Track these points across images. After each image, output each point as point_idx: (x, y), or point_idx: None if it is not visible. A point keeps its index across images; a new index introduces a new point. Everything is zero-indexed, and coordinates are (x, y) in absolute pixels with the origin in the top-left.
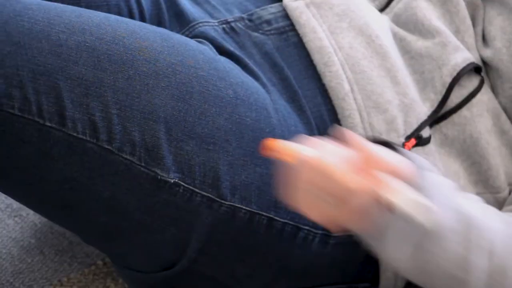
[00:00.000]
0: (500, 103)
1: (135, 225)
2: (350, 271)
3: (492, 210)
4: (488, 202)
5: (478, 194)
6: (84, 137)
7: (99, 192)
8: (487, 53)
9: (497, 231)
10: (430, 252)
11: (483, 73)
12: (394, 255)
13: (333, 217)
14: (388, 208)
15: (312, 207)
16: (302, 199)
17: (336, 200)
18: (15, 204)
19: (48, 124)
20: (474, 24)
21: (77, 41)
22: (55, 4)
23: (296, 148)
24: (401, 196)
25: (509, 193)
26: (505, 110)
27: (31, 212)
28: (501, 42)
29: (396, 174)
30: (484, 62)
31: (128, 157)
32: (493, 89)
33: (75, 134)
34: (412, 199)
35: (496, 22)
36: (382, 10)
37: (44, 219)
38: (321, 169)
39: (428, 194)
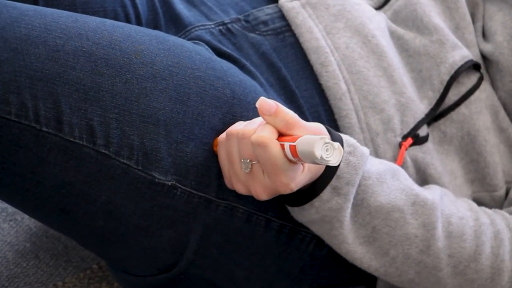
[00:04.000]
0: (500, 98)
1: (133, 229)
2: (346, 273)
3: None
4: (484, 201)
5: (474, 192)
6: (81, 142)
7: (96, 197)
8: (487, 47)
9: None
10: (366, 209)
11: (482, 70)
12: (331, 215)
13: (267, 185)
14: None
15: (245, 180)
16: (230, 174)
17: (253, 157)
18: (10, 208)
19: (44, 129)
20: (473, 21)
21: (74, 46)
22: (52, 9)
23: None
24: (301, 139)
25: (506, 192)
26: (504, 105)
27: (26, 216)
28: (502, 36)
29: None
30: (484, 58)
31: (125, 161)
32: (493, 84)
33: (71, 139)
34: (312, 137)
35: (496, 18)
36: (380, 7)
37: (39, 223)
38: (230, 134)
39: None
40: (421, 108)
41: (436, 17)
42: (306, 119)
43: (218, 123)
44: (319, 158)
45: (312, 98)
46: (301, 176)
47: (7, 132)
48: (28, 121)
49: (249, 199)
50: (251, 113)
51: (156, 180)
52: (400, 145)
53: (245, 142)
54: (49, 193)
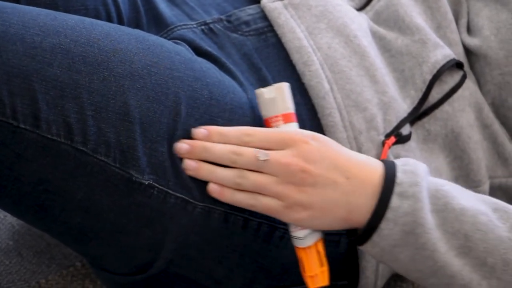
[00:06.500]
0: (488, 91)
1: (109, 226)
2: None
3: None
4: None
5: None
6: (59, 139)
7: (73, 193)
8: (474, 42)
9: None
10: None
11: (465, 68)
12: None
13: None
14: None
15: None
16: (230, 176)
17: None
18: None
19: (22, 126)
20: (458, 18)
21: (51, 43)
22: (30, 7)
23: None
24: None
25: (489, 187)
26: (493, 98)
27: (8, 214)
28: (489, 30)
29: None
30: (469, 53)
31: (102, 158)
32: (480, 79)
33: (49, 136)
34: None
35: (483, 13)
36: (362, 8)
37: (22, 221)
38: (227, 131)
39: None
40: (403, 107)
41: (417, 17)
42: None
43: (194, 123)
44: None
45: (293, 97)
46: None
47: None
48: (5, 117)
49: None
50: (227, 113)
51: (134, 178)
52: (383, 143)
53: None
54: (26, 190)
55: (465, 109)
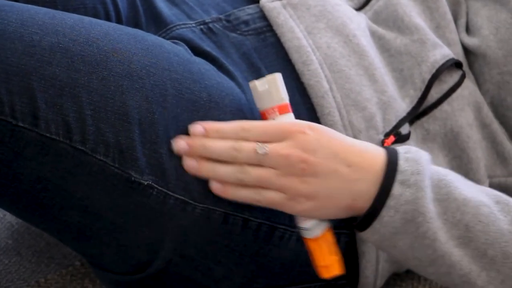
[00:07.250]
0: (487, 90)
1: (108, 225)
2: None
3: None
4: None
5: None
6: (57, 138)
7: (72, 193)
8: (473, 41)
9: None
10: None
11: (464, 68)
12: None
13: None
14: None
15: (259, 161)
16: (231, 172)
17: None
18: None
19: (21, 124)
20: (457, 18)
21: (50, 42)
22: (29, 6)
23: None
24: None
25: (489, 186)
26: (492, 97)
27: (8, 213)
28: (488, 30)
29: None
30: (468, 53)
31: (101, 158)
32: (479, 78)
33: (48, 135)
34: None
35: (482, 13)
36: (361, 8)
37: (21, 220)
38: (226, 127)
39: None
40: (402, 106)
41: (416, 17)
42: None
43: None
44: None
45: (292, 97)
46: None
47: None
48: (4, 116)
49: (225, 200)
50: (228, 115)
51: (133, 178)
52: (382, 142)
53: (254, 132)
54: (25, 188)
55: (464, 108)
